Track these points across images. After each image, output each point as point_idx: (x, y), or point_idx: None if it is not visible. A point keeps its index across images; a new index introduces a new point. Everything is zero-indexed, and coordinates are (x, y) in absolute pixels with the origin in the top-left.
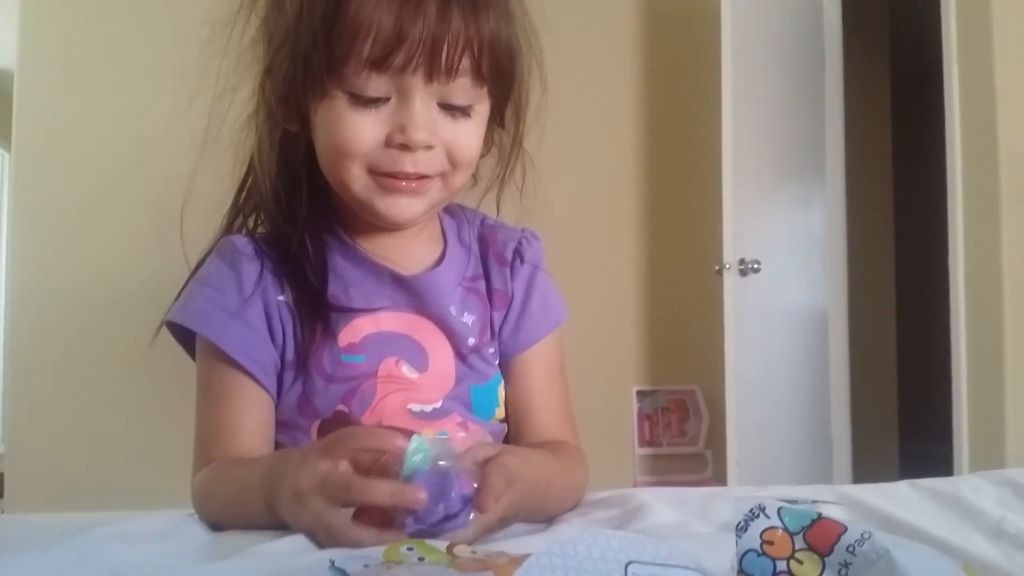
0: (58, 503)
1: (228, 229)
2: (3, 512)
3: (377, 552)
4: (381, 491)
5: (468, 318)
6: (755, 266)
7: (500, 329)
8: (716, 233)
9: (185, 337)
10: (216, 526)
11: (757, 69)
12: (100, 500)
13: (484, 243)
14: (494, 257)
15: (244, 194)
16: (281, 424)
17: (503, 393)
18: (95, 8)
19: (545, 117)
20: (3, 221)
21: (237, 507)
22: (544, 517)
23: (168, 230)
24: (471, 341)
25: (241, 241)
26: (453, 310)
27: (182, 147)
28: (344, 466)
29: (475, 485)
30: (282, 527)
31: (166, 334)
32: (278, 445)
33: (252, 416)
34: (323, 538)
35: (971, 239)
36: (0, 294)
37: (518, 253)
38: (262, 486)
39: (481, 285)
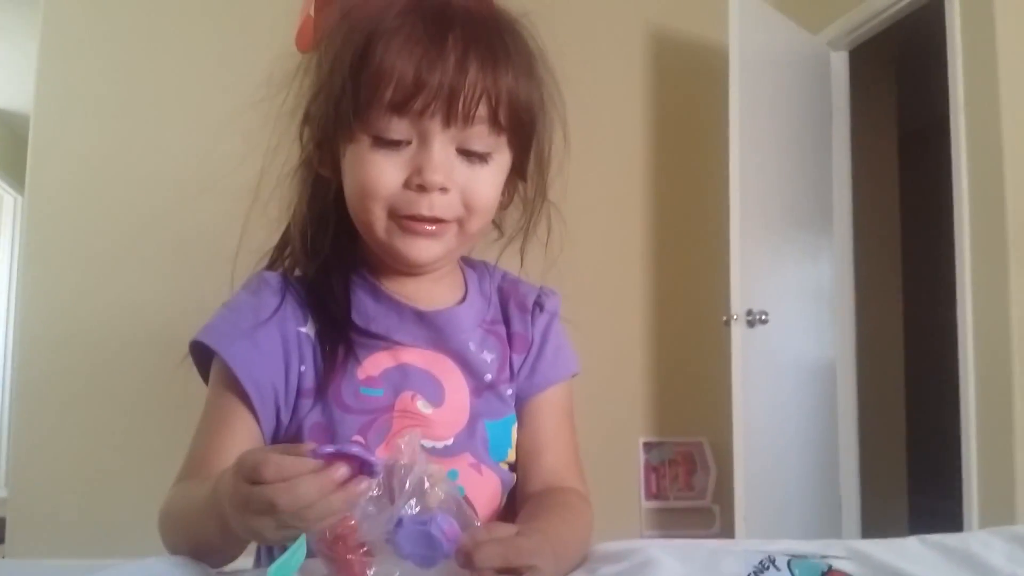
0: (60, 549)
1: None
2: (3, 557)
3: None
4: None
5: (487, 356)
6: (763, 317)
7: (519, 371)
8: (724, 284)
9: (204, 364)
10: (175, 547)
11: (765, 121)
12: (103, 546)
13: (504, 295)
14: (515, 305)
15: (281, 238)
16: None
17: (516, 436)
18: (112, 55)
19: (562, 169)
20: (14, 263)
21: (190, 525)
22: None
23: (179, 274)
24: (488, 377)
25: (270, 274)
26: (472, 346)
27: (195, 196)
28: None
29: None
30: (233, 543)
31: (182, 374)
32: None
33: (238, 446)
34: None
35: (979, 293)
36: (8, 335)
37: (538, 304)
38: (211, 500)
39: (501, 329)
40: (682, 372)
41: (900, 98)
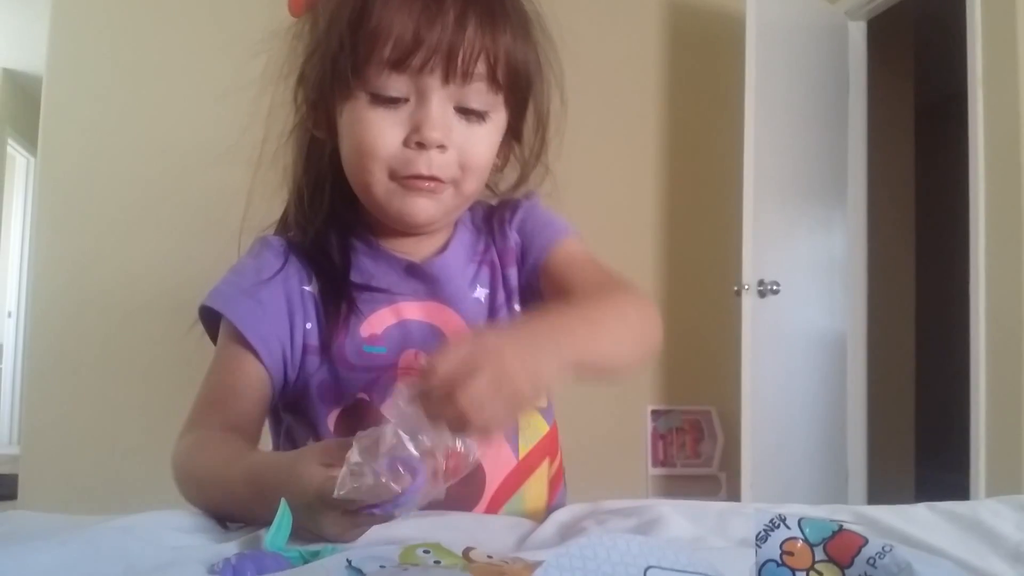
0: (72, 507)
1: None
2: None
3: (393, 553)
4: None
5: (480, 292)
6: (774, 287)
7: (519, 276)
8: (735, 253)
9: (213, 328)
10: (193, 501)
11: (780, 90)
12: (114, 505)
13: (489, 217)
14: (497, 223)
15: (286, 205)
16: (300, 411)
17: None
18: (125, 16)
19: (566, 134)
20: (27, 224)
21: (213, 493)
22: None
23: (191, 238)
24: (482, 323)
25: (272, 237)
26: (467, 287)
27: (208, 157)
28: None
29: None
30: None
31: (193, 337)
32: (295, 432)
33: (250, 386)
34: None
35: (993, 265)
36: (22, 297)
37: (511, 208)
38: (248, 481)
39: (492, 255)
40: (692, 341)
41: (918, 69)
